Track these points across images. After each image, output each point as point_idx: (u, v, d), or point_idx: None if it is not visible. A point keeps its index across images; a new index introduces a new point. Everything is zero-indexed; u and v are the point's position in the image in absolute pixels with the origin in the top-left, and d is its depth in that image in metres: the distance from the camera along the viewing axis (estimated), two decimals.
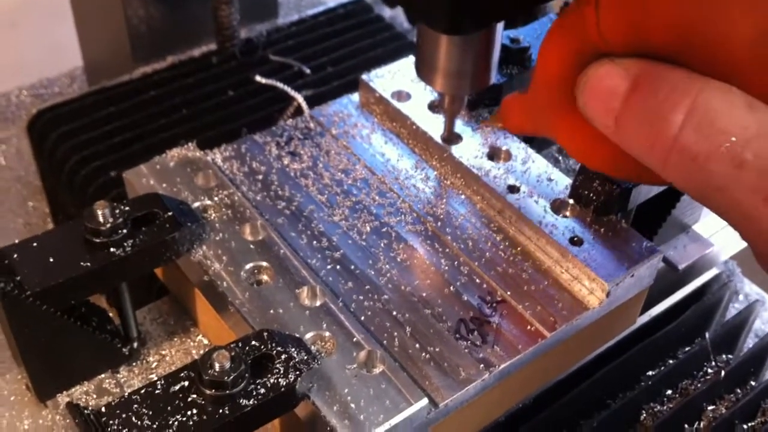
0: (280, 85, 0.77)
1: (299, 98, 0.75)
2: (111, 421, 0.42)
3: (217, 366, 0.43)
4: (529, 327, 0.50)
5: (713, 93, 0.34)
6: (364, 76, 0.63)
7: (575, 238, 0.52)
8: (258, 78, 0.79)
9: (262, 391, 0.43)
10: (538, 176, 0.56)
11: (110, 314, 0.54)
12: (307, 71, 0.81)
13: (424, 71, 0.53)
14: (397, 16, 0.93)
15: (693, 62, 0.35)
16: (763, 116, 0.33)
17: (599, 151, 0.43)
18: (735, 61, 0.34)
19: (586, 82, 0.38)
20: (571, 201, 0.54)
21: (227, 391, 0.42)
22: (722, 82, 0.34)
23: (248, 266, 0.51)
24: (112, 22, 0.82)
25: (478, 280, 0.52)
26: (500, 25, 0.51)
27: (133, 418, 0.42)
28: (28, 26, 1.04)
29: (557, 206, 0.54)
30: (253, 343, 0.45)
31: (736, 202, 0.34)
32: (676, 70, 0.35)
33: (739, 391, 0.60)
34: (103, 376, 0.53)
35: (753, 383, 0.61)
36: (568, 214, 0.54)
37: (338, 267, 0.52)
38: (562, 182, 0.56)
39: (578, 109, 0.41)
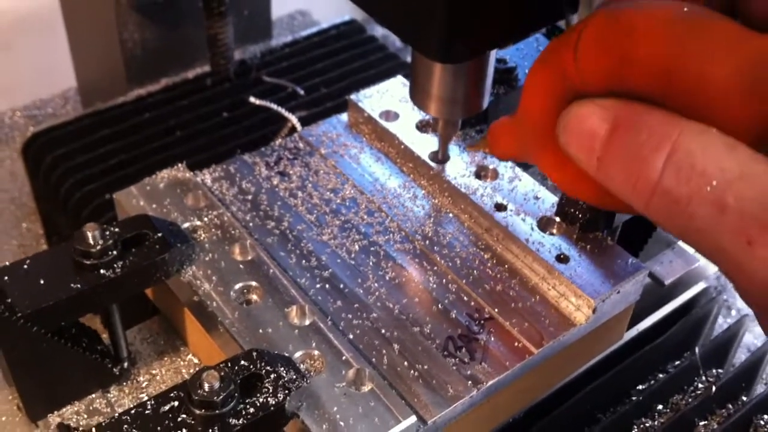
0: (274, 106, 0.78)
1: (293, 119, 0.76)
2: None
3: (206, 386, 0.43)
4: (516, 344, 0.50)
5: (693, 135, 0.34)
6: (353, 96, 0.64)
7: (562, 256, 0.53)
8: (252, 99, 0.80)
9: (252, 410, 0.43)
10: (524, 194, 0.57)
11: (103, 334, 0.54)
12: (301, 92, 0.81)
13: (417, 96, 0.53)
14: (389, 35, 0.94)
15: (673, 103, 0.35)
16: (743, 157, 0.32)
17: (584, 184, 0.43)
18: (716, 103, 0.34)
19: (567, 122, 0.38)
20: (557, 219, 0.55)
21: (216, 411, 0.43)
22: (701, 124, 0.34)
23: (238, 286, 0.52)
24: (107, 45, 0.83)
25: (465, 298, 0.52)
26: (493, 52, 0.51)
27: None
28: (21, 47, 1.04)
29: (544, 224, 0.55)
30: (243, 362, 0.45)
31: (719, 245, 0.33)
32: (656, 111, 0.35)
33: (730, 406, 0.60)
34: (93, 395, 0.53)
35: (744, 398, 0.61)
36: (554, 231, 0.54)
37: (327, 286, 0.53)
38: (549, 200, 0.56)
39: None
